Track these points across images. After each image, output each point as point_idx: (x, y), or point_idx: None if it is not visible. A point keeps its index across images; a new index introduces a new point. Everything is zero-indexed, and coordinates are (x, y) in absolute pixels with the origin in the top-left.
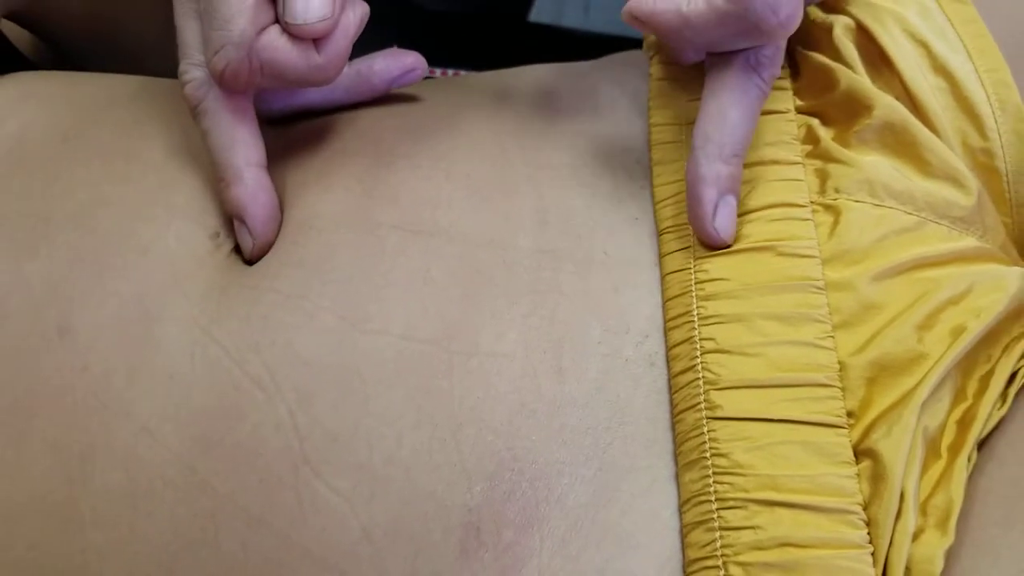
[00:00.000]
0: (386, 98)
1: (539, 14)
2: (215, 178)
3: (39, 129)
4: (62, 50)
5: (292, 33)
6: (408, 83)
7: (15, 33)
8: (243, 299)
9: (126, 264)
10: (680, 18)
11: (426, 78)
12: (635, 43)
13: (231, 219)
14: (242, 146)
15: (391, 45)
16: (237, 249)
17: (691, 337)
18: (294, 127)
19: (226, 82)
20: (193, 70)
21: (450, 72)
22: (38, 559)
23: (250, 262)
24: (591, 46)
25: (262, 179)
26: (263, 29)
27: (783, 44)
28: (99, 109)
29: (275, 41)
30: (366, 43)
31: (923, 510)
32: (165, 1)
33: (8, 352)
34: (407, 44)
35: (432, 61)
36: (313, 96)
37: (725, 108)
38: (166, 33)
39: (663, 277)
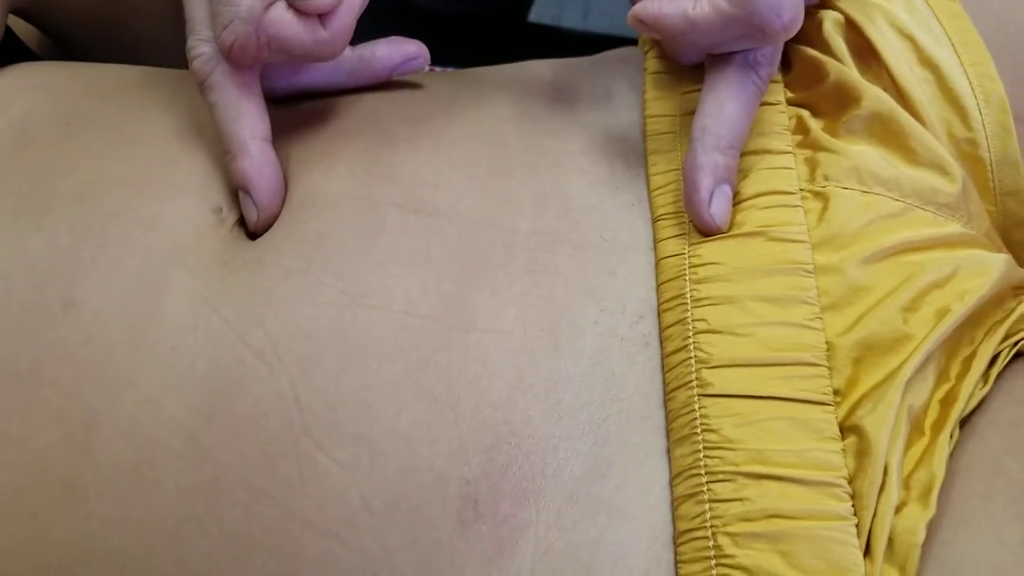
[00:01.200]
0: (388, 84)
1: (539, 17)
2: (221, 151)
3: (43, 114)
4: (66, 46)
5: (298, 8)
6: (409, 71)
7: (21, 28)
8: (246, 273)
9: (130, 239)
10: (686, 21)
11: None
12: (633, 43)
13: (234, 194)
14: (248, 119)
15: None
16: (240, 224)
17: (684, 318)
18: (298, 108)
19: (234, 57)
20: (201, 45)
21: (450, 70)
22: (42, 529)
23: (254, 235)
24: (590, 47)
25: (268, 152)
26: (270, 4)
27: (781, 45)
28: (103, 95)
29: (282, 16)
30: (366, 40)
31: (906, 484)
32: (166, 1)
33: (13, 325)
34: None
35: (435, 61)
36: (316, 76)
37: (723, 103)
38: (167, 30)
39: (658, 262)
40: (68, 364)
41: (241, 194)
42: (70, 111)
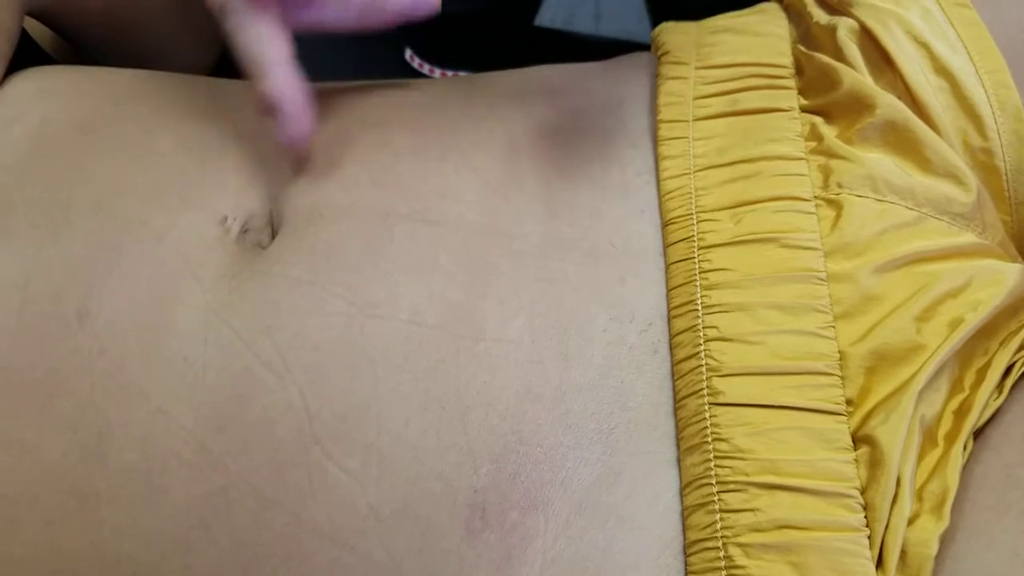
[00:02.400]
0: (397, 94)
1: (550, 21)
2: (248, 74)
3: (59, 121)
4: (81, 47)
5: None
6: (419, 14)
7: (36, 30)
8: (254, 284)
9: (142, 250)
10: None
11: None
12: (645, 49)
13: (238, 201)
14: (271, 42)
15: (404, 49)
16: (245, 233)
17: (694, 325)
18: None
19: None
20: None
21: (461, 75)
22: (55, 535)
23: (296, 156)
24: (601, 51)
25: (293, 71)
26: None
27: None
28: (117, 102)
29: None
30: (378, 47)
31: (919, 496)
32: (180, 3)
33: (29, 335)
34: (419, 47)
35: (444, 64)
36: (326, 14)
37: None
38: (179, 32)
39: (667, 267)
40: (83, 374)
41: (276, 117)
42: (86, 119)
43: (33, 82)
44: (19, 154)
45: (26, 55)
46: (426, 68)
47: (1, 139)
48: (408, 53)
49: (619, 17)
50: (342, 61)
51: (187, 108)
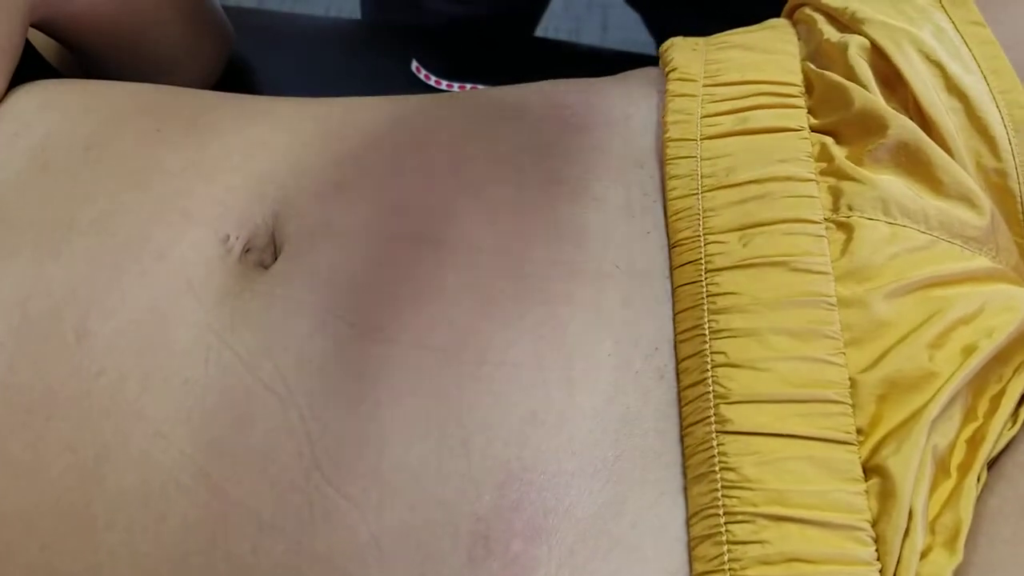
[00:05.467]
0: (402, 113)
1: (556, 32)
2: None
3: (62, 137)
4: (86, 58)
5: None
6: None
7: (40, 41)
8: (256, 306)
9: (143, 270)
10: None
11: (444, 93)
12: (652, 60)
13: (241, 222)
14: None
15: (410, 61)
16: (247, 253)
17: (702, 351)
18: (311, 138)
19: None
20: None
21: (468, 87)
22: (51, 560)
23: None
24: (608, 63)
25: None
26: None
27: None
28: (120, 118)
29: None
30: (386, 59)
31: (932, 528)
32: (185, 15)
33: (28, 356)
34: (426, 58)
35: (451, 76)
36: None
37: None
38: (183, 43)
39: (674, 290)
40: (81, 396)
41: None
42: (89, 135)
43: (36, 96)
44: (22, 170)
45: (29, 66)
46: (432, 80)
47: (4, 155)
48: (414, 64)
49: (626, 27)
50: (349, 72)
51: (191, 124)
